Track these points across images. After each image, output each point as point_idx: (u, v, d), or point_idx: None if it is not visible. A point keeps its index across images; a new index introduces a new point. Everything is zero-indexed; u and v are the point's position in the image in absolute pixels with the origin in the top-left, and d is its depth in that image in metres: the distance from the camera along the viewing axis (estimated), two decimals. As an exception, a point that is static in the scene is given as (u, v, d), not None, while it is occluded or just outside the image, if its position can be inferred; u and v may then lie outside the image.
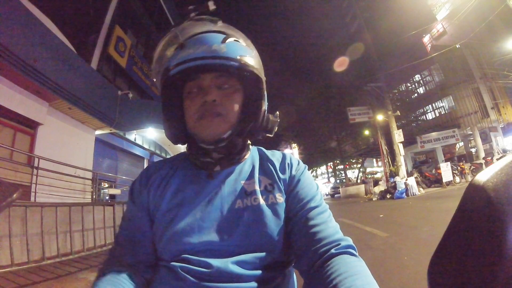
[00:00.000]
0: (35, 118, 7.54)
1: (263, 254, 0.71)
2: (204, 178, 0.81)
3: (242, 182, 0.80)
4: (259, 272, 0.70)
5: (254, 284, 0.68)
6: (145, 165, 16.00)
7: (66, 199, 7.20)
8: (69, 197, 7.50)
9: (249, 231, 0.72)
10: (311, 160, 36.58)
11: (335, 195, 30.02)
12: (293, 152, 52.68)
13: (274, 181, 0.82)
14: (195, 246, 0.72)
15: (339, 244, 0.68)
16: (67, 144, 8.68)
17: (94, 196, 8.92)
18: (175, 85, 0.80)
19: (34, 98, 7.37)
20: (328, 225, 0.73)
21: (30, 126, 7.67)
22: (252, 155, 0.90)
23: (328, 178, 47.72)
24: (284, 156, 0.89)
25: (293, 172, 0.84)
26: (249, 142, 0.90)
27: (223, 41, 0.75)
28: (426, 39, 22.82)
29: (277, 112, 0.89)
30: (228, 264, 0.68)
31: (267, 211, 0.75)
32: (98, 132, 10.38)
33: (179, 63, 0.73)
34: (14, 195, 0.70)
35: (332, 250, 0.66)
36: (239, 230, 0.73)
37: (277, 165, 0.86)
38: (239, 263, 0.69)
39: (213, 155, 0.81)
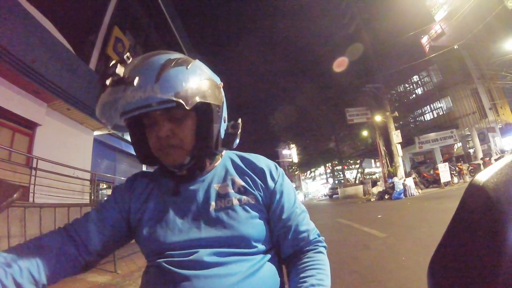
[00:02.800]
0: (34, 119, 7.52)
1: (240, 247, 0.80)
2: (181, 187, 0.88)
3: (215, 185, 0.88)
4: (234, 259, 0.78)
5: (231, 270, 0.75)
6: (143, 166, 15.96)
7: (64, 200, 7.18)
8: (68, 198, 7.47)
9: (225, 230, 0.80)
10: (310, 160, 36.54)
11: (334, 196, 30.05)
12: (291, 153, 52.70)
13: (248, 184, 0.88)
14: (176, 245, 0.79)
15: (313, 243, 0.90)
16: (66, 145, 8.65)
17: (92, 197, 8.90)
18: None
19: (32, 99, 7.35)
20: (305, 227, 0.90)
21: (28, 127, 7.65)
22: (224, 160, 0.96)
23: (327, 178, 47.69)
24: (259, 161, 0.95)
25: (271, 179, 0.91)
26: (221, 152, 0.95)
27: (157, 79, 0.72)
28: (424, 40, 22.87)
29: (239, 121, 0.93)
30: (205, 254, 0.76)
31: (241, 211, 0.83)
32: (96, 132, 10.36)
33: (124, 113, 0.74)
34: (15, 195, 0.70)
35: (307, 249, 0.88)
36: (216, 228, 0.80)
37: (253, 170, 0.92)
38: (216, 253, 0.77)
39: (183, 171, 0.87)
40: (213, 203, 0.84)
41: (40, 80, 6.82)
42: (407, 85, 26.61)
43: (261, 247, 0.84)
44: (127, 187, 0.93)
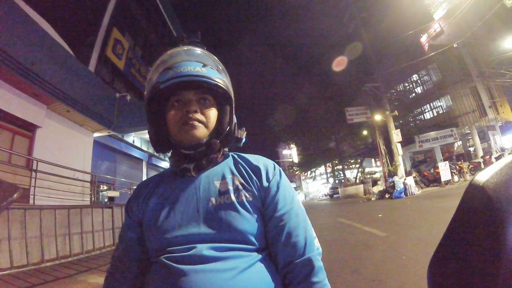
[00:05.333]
0: (34, 121, 7.52)
1: (238, 243, 0.83)
2: (182, 184, 0.93)
3: (216, 182, 0.91)
4: (232, 254, 0.80)
5: (229, 265, 0.78)
6: (144, 167, 16.00)
7: (65, 201, 7.17)
8: (68, 199, 7.46)
9: (223, 225, 0.83)
10: (310, 160, 36.48)
11: (334, 196, 30.06)
12: (291, 153, 52.69)
13: (246, 181, 0.92)
14: (175, 240, 0.83)
15: (307, 258, 0.84)
16: (66, 147, 8.66)
17: (93, 199, 8.90)
18: (160, 99, 0.93)
19: (32, 101, 7.35)
20: (301, 233, 0.87)
21: (28, 129, 7.66)
22: (226, 158, 1.01)
23: (327, 178, 47.67)
24: (257, 160, 0.99)
25: (267, 176, 0.94)
26: (225, 149, 1.02)
27: (204, 66, 0.90)
28: (423, 39, 22.91)
29: (243, 128, 1.05)
30: (203, 249, 0.79)
31: (239, 208, 0.85)
32: (96, 134, 10.37)
33: (170, 78, 0.87)
34: (15, 195, 0.69)
35: (298, 279, 0.82)
36: (214, 224, 0.83)
37: (250, 168, 0.96)
38: (214, 248, 0.80)
39: (190, 161, 0.93)
40: (213, 199, 0.87)
41: (39, 82, 6.83)
42: (406, 84, 26.62)
43: (258, 244, 0.86)
44: (133, 198, 0.99)
